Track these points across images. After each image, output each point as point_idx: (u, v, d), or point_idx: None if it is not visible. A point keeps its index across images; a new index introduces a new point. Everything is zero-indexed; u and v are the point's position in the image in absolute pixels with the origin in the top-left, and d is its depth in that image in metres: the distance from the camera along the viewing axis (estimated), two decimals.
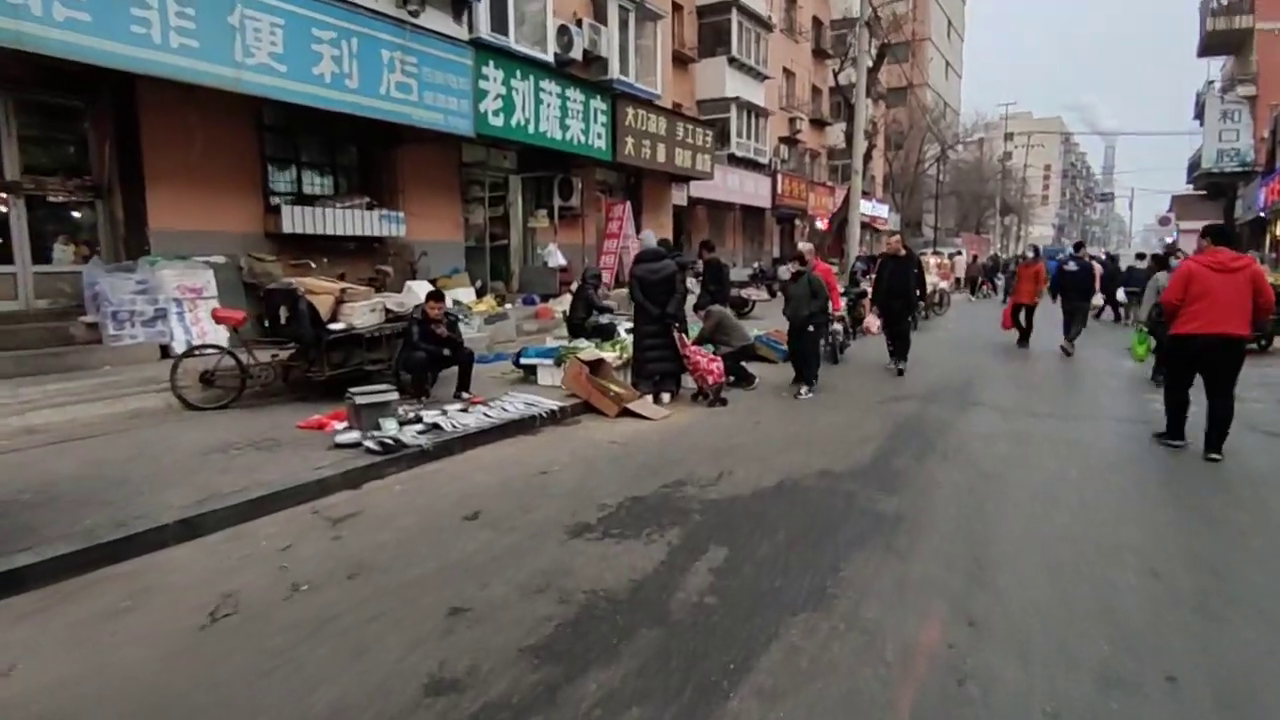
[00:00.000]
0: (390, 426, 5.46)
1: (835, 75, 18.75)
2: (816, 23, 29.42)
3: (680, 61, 20.33)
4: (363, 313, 6.90)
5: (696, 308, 10.26)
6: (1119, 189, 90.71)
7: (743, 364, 8.37)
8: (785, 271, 15.86)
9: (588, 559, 3.68)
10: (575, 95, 12.99)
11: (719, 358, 7.76)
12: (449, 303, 8.30)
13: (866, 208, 34.57)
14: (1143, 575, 3.55)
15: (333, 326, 6.64)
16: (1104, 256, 19.95)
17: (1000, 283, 24.88)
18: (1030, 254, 12.53)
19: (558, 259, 13.66)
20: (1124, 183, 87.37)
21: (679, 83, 20.39)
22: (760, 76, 23.14)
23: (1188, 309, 5.55)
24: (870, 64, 18.02)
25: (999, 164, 51.93)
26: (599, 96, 13.71)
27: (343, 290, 7.04)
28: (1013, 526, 4.21)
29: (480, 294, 11.98)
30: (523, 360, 8.03)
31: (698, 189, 19.42)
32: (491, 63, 11.19)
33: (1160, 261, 11.23)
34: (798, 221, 28.86)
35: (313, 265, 9.67)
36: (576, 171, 14.27)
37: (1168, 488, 5.02)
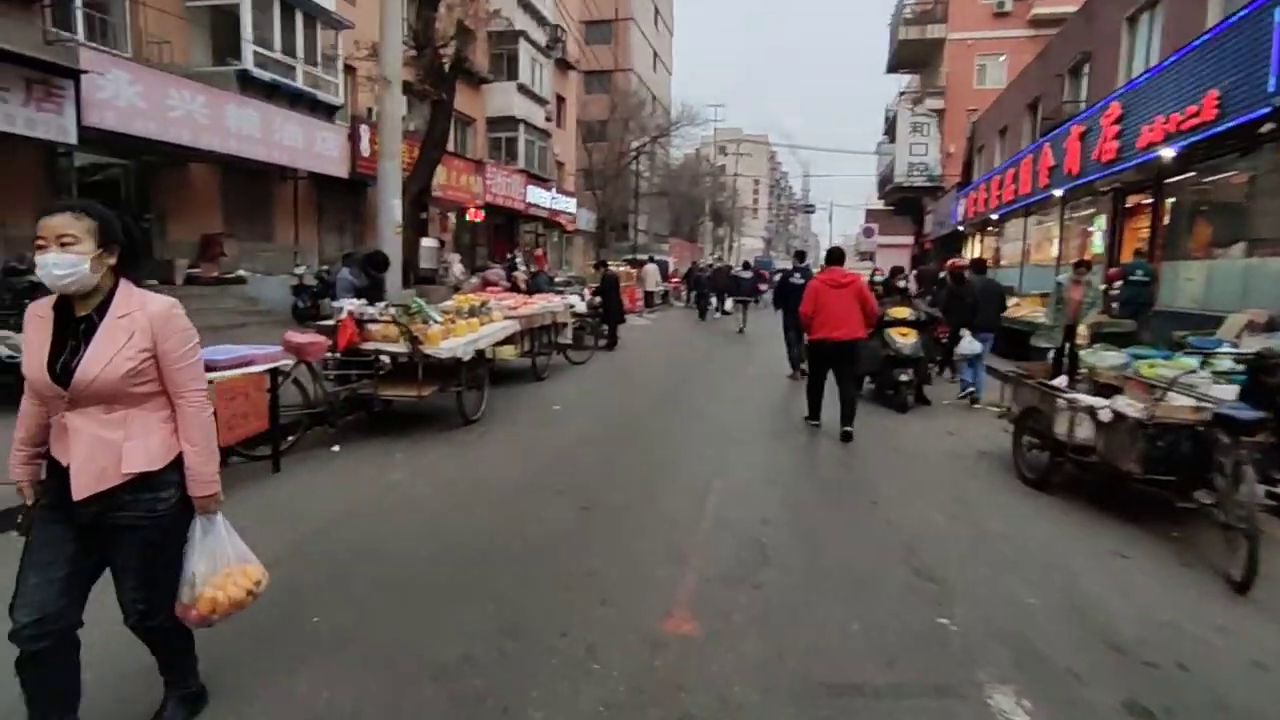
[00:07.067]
0: None
1: None
2: None
3: None
4: None
5: None
6: (817, 203, 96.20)
7: None
8: None
9: None
10: None
11: None
12: None
13: (543, 198, 26.86)
14: None
15: None
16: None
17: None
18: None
19: None
20: (819, 197, 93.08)
21: None
22: None
23: (815, 319, 6.71)
24: None
25: (710, 166, 48.86)
26: None
27: None
28: None
29: None
30: None
31: (134, 116, 9.90)
32: None
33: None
34: (450, 216, 20.52)
35: None
36: None
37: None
